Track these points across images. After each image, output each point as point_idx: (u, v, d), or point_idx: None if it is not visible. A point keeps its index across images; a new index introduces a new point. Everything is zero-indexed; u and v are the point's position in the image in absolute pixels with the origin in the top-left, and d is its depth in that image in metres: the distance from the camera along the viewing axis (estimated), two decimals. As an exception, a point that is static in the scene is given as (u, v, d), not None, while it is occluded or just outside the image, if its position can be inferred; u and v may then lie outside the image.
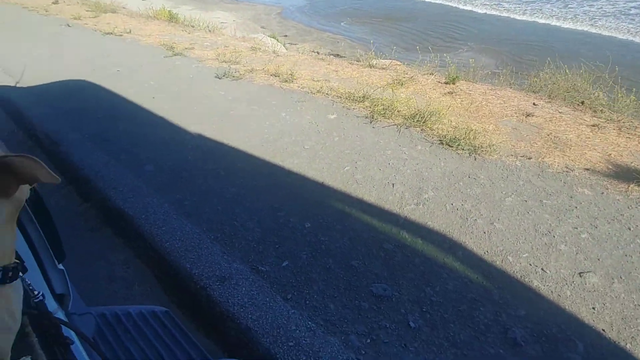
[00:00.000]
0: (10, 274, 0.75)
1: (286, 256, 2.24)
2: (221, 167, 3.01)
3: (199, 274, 2.12)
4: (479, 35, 12.80)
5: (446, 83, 5.00)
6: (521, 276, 2.12)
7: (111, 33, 6.63)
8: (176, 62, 5.32)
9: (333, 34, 13.88)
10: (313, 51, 8.32)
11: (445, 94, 4.65)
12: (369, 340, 1.82)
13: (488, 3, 16.35)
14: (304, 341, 1.79)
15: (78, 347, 1.14)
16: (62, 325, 1.02)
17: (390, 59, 6.62)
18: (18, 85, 4.34)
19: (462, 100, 4.41)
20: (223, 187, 2.78)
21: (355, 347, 1.79)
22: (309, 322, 1.88)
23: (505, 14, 15.35)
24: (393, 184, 2.85)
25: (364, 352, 1.77)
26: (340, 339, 1.81)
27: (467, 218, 2.53)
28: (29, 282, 0.96)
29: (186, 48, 5.95)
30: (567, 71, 4.69)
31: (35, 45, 5.97)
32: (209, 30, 7.81)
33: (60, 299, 1.46)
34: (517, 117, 3.99)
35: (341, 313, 1.94)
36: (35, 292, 0.98)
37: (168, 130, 3.52)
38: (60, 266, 1.42)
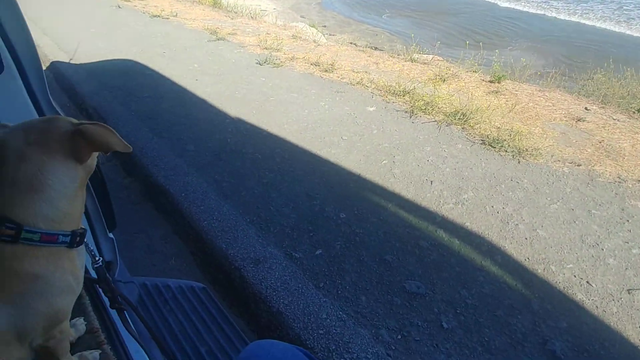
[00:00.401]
0: (77, 238, 0.78)
1: (320, 244, 2.24)
2: (259, 151, 3.04)
3: (234, 254, 2.15)
4: (525, 33, 12.20)
5: (491, 82, 4.80)
6: (564, 287, 2.03)
7: (158, 16, 6.81)
8: (219, 47, 5.40)
9: (372, 26, 13.63)
10: (351, 43, 8.21)
11: (489, 92, 4.47)
12: (399, 337, 1.80)
13: (535, 0, 15.51)
14: (334, 330, 1.79)
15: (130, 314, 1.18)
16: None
17: (432, 54, 6.44)
18: (71, 61, 4.55)
19: (507, 100, 4.23)
20: (260, 171, 2.81)
21: (385, 341, 1.77)
22: (340, 312, 1.88)
23: (553, 14, 14.51)
24: (431, 182, 2.78)
25: (394, 348, 1.75)
26: (370, 332, 1.80)
27: (507, 222, 2.43)
28: (92, 248, 1.00)
29: (229, 33, 6.03)
30: (626, 75, 4.39)
31: (87, 24, 6.22)
32: (251, 17, 7.86)
33: (108, 266, 1.52)
34: (566, 121, 3.79)
35: (373, 306, 1.92)
36: (97, 258, 1.02)
37: (209, 112, 3.59)
38: (111, 235, 1.48)
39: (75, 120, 0.81)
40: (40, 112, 1.17)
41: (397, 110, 3.84)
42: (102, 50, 5.04)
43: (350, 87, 4.33)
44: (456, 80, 4.83)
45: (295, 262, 2.13)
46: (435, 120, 3.68)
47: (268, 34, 6.33)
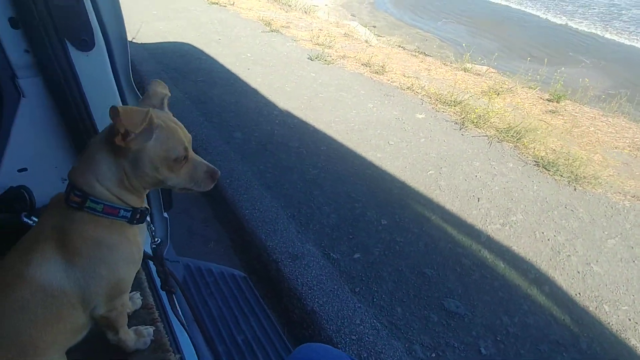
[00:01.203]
0: (138, 215, 0.82)
1: (358, 248, 2.21)
2: (304, 146, 3.04)
3: (273, 247, 2.16)
4: (589, 51, 11.50)
5: (549, 100, 4.57)
6: (617, 330, 1.89)
7: (216, 3, 6.97)
8: (272, 39, 5.45)
9: (423, 31, 13.30)
10: (399, 46, 8.05)
11: (546, 112, 4.25)
12: (433, 355, 1.74)
13: (598, 20, 14.52)
14: (367, 338, 1.76)
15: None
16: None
17: (486, 65, 6.20)
18: (134, 40, 4.74)
19: (565, 122, 4.01)
20: (304, 167, 2.81)
21: (418, 357, 1.72)
22: (374, 321, 1.84)
23: (613, 36, 13.50)
24: (478, 198, 2.68)
25: (427, 365, 1.70)
26: (404, 345, 1.75)
27: (559, 252, 2.29)
28: (153, 228, 1.03)
29: (282, 26, 6.07)
30: None
31: (147, 7, 6.45)
32: (305, 11, 7.89)
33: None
34: (630, 151, 3.54)
35: (408, 319, 1.87)
36: (155, 239, 1.04)
37: (259, 102, 3.63)
38: (165, 214, 1.51)
39: (177, 121, 0.85)
40: (120, 90, 1.21)
41: (447, 121, 3.73)
42: (162, 32, 5.22)
43: (400, 91, 4.25)
44: (511, 95, 4.63)
45: (332, 262, 2.11)
46: (486, 135, 3.54)
47: (320, 30, 6.32)
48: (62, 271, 0.70)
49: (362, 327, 1.81)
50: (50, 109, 1.11)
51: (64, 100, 1.08)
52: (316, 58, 4.81)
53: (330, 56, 4.95)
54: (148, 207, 0.90)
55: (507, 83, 4.96)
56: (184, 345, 1.13)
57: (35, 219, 1.13)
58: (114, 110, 0.66)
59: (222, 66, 4.30)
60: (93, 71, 1.12)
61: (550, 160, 3.13)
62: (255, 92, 3.80)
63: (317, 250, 2.17)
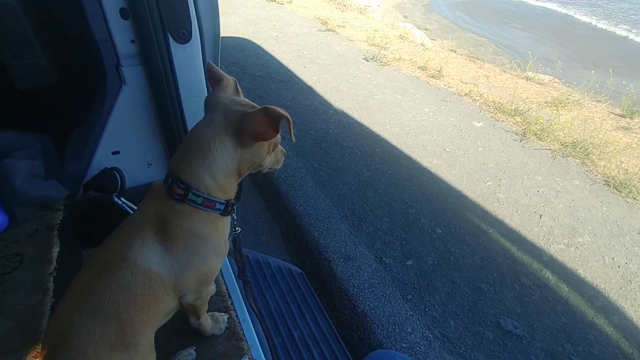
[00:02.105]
0: (230, 208, 0.84)
1: (411, 255, 2.17)
2: (359, 147, 3.02)
3: (325, 245, 2.17)
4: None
5: (621, 116, 4.24)
6: (698, 373, 1.72)
7: (274, 0, 7.11)
8: (328, 37, 5.47)
9: (478, 35, 12.78)
10: (452, 50, 7.79)
11: (617, 128, 3.95)
12: (488, 374, 1.67)
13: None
14: (418, 348, 1.72)
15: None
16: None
17: (549, 74, 5.86)
18: (196, 33, 4.93)
19: (640, 141, 3.70)
20: (358, 168, 2.79)
21: (472, 375, 1.66)
22: (426, 331, 1.80)
23: None
24: (540, 215, 2.53)
25: (481, 384, 1.63)
26: (457, 361, 1.70)
27: (630, 280, 2.12)
28: (235, 218, 1.06)
29: (338, 25, 6.08)
30: None
31: (212, 0, 6.70)
32: (360, 11, 7.85)
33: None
34: None
35: (461, 334, 1.81)
36: (236, 228, 1.07)
37: (314, 100, 3.65)
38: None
39: (256, 106, 0.86)
40: (206, 81, 1.26)
41: (507, 131, 3.56)
42: (222, 27, 5.38)
43: (457, 97, 4.11)
44: (577, 108, 4.34)
45: (384, 267, 2.09)
46: (550, 149, 3.34)
47: (376, 30, 6.27)
48: (160, 258, 0.73)
49: (413, 335, 1.77)
50: (147, 97, 1.17)
51: (160, 89, 1.14)
52: (372, 59, 4.77)
53: (386, 57, 4.89)
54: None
55: (572, 95, 4.66)
56: (249, 336, 1.16)
57: (124, 200, 1.21)
58: (280, 114, 0.72)
59: (279, 62, 4.38)
60: (186, 62, 1.17)
61: (623, 181, 2.90)
62: (310, 90, 3.83)
63: (370, 253, 2.15)
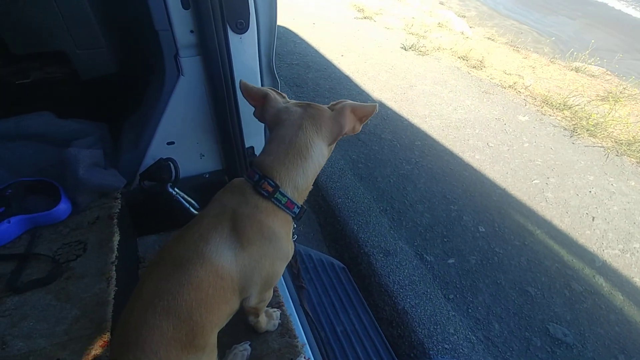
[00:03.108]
0: (302, 212, 0.82)
1: (453, 253, 2.11)
2: (398, 139, 2.95)
3: (365, 239, 2.14)
4: None
5: (683, 112, 3.91)
6: None
7: (310, -14, 7.01)
8: (365, 25, 5.34)
9: (519, 22, 12.09)
10: (488, 38, 7.41)
11: (680, 126, 3.65)
12: (535, 382, 1.61)
13: None
14: (461, 350, 1.67)
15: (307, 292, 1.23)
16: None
17: (600, 66, 5.49)
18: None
19: None
20: (397, 161, 2.73)
21: (518, 381, 1.60)
22: (469, 333, 1.75)
23: None
24: (593, 217, 2.39)
25: (527, 392, 1.57)
26: (502, 366, 1.64)
27: (694, 292, 1.97)
28: (295, 226, 1.04)
29: (375, 13, 5.93)
30: None
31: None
32: (397, -2, 7.62)
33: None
34: None
35: (506, 338, 1.75)
36: (295, 235, 1.06)
37: (352, 90, 3.59)
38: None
39: (323, 107, 0.87)
40: (260, 72, 1.24)
41: (555, 126, 3.37)
42: (259, 14, 5.37)
43: (501, 89, 3.93)
44: (633, 102, 4.04)
45: (425, 264, 2.04)
46: (603, 147, 3.14)
47: (413, 18, 6.07)
48: (234, 255, 0.70)
49: (455, 337, 1.72)
50: (203, 87, 1.16)
51: (217, 80, 1.13)
52: (410, 48, 4.63)
53: (425, 47, 4.73)
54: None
55: (628, 89, 4.34)
56: (299, 333, 1.15)
57: (178, 190, 1.22)
58: (369, 112, 0.82)
59: (316, 51, 4.32)
60: (242, 53, 1.15)
61: (685, 184, 2.69)
62: (348, 79, 3.77)
63: (410, 249, 2.11)
